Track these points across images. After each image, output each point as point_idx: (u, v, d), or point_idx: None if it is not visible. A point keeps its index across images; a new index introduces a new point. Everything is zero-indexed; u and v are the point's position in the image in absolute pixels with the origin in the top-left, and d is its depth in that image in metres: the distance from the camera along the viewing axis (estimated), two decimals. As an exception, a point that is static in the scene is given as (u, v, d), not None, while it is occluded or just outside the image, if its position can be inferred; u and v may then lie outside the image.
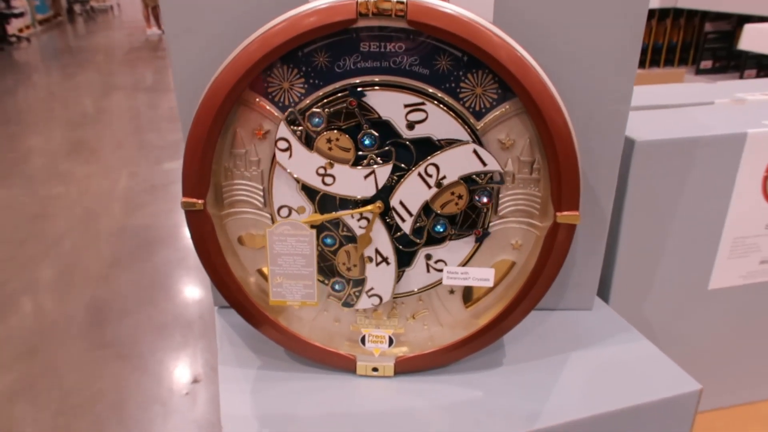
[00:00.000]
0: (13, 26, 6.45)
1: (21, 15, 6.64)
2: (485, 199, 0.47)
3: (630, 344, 0.55)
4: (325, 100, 0.45)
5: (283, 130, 0.46)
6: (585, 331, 0.57)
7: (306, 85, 0.45)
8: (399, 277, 0.50)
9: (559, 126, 0.43)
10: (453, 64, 0.43)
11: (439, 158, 0.46)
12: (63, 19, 10.01)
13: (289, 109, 0.45)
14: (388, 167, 0.46)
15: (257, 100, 0.45)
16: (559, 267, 0.47)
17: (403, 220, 0.48)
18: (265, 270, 0.50)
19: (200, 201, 0.46)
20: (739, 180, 0.60)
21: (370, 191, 0.47)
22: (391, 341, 0.51)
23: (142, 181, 2.94)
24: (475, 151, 0.45)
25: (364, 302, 0.50)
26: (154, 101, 4.49)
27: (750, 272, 0.66)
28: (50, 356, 1.66)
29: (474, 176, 0.46)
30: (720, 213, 0.61)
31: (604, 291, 0.63)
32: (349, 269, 0.49)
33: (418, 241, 0.48)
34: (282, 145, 0.46)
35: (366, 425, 0.46)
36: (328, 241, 0.49)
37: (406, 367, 0.50)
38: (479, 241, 0.48)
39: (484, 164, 0.46)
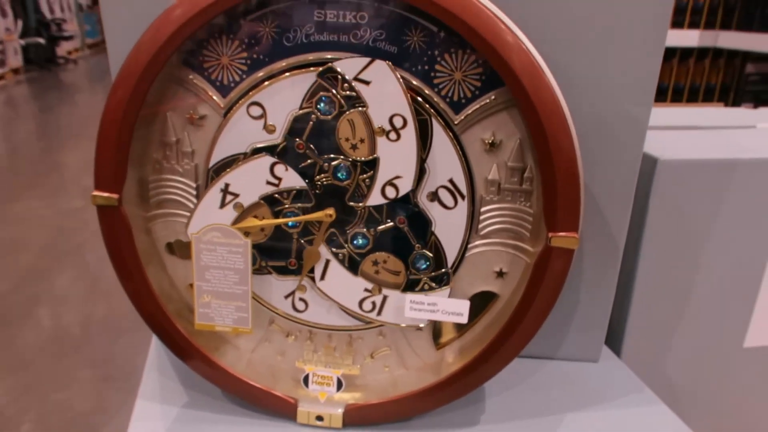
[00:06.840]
0: (63, 48, 6.66)
1: (71, 38, 6.87)
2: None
3: (642, 408, 0.44)
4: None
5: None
6: (587, 388, 0.46)
7: (248, 61, 0.37)
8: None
9: (555, 121, 0.34)
10: (427, 41, 0.35)
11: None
12: (111, 45, 10.33)
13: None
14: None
15: (191, 77, 0.37)
16: (551, 302, 0.37)
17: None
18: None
19: (115, 196, 0.38)
20: (786, 215, 0.50)
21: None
22: (340, 384, 0.41)
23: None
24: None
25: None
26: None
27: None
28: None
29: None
30: (761, 250, 0.51)
31: (614, 340, 0.52)
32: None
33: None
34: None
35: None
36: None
37: (358, 418, 0.41)
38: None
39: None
